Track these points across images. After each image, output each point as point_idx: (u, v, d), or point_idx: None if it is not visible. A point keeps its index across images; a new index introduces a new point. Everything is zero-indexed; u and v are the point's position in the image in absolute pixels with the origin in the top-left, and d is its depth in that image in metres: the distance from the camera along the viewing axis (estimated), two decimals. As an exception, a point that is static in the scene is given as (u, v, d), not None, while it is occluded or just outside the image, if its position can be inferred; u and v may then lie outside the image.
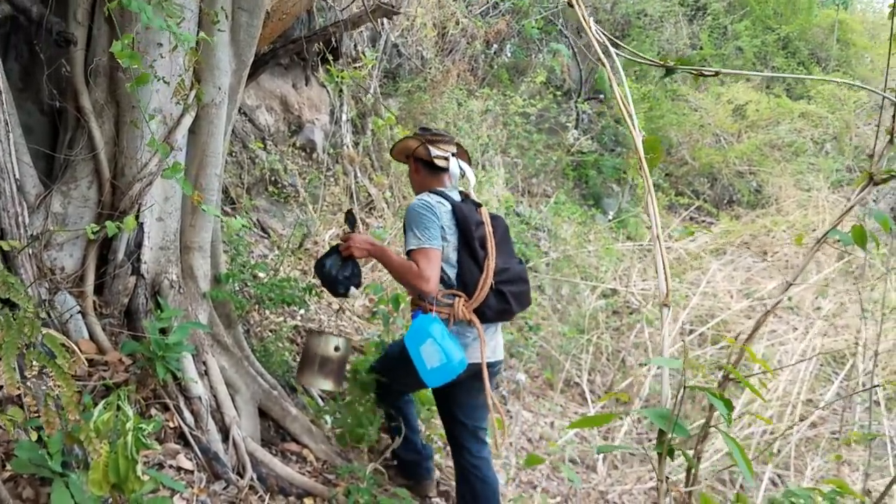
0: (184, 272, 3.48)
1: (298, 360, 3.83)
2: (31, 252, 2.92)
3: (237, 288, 4.02)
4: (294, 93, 7.36)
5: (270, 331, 4.29)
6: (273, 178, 6.47)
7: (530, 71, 11.00)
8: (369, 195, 7.85)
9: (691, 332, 8.42)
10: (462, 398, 3.39)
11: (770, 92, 12.78)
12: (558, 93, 10.73)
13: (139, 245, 3.29)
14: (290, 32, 5.02)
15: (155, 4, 2.52)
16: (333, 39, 8.21)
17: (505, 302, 3.18)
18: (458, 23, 9.23)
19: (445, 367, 3.04)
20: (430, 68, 9.24)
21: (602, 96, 12.40)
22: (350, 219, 3.54)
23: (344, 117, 8.02)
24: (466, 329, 3.18)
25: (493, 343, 3.31)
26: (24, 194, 3.02)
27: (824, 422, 7.72)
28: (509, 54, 10.23)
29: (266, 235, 6.01)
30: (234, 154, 6.13)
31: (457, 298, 3.16)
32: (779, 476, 6.70)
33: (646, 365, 7.86)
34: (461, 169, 3.45)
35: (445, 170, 3.41)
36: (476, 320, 3.13)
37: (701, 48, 13.09)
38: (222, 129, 3.49)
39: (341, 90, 7.86)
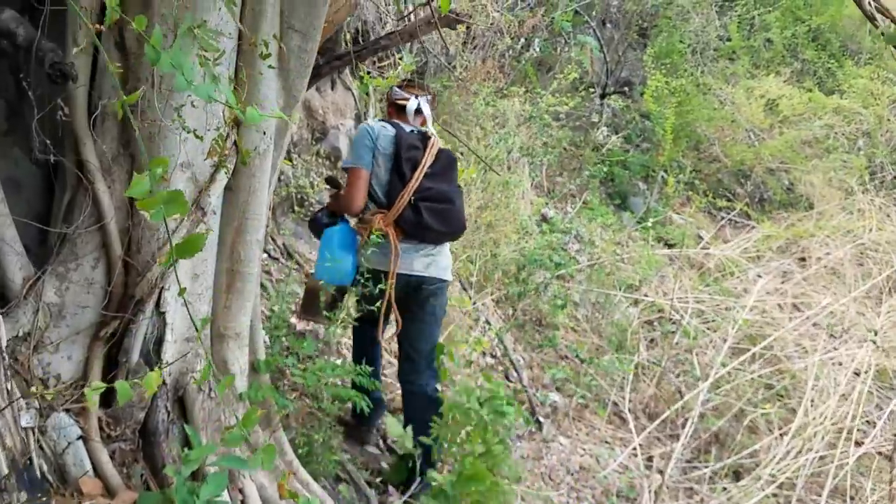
0: (216, 367, 2.66)
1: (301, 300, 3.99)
2: (9, 360, 2.08)
3: (276, 375, 3.20)
4: (318, 97, 6.48)
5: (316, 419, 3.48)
6: (300, 196, 5.62)
7: (558, 66, 10.13)
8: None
9: (740, 350, 7.63)
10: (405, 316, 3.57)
11: (801, 86, 11.92)
12: (587, 88, 9.85)
13: (160, 342, 2.46)
14: (333, 45, 4.16)
15: (183, 34, 1.67)
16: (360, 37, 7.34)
17: (419, 215, 3.35)
18: (488, 16, 8.33)
19: (336, 268, 3.42)
20: (456, 66, 8.36)
21: (628, 90, 11.55)
22: (332, 182, 4.03)
23: (370, 120, 7.17)
24: (382, 244, 3.39)
25: (426, 260, 3.50)
26: (5, 279, 2.19)
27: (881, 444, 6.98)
28: (538, 49, 9.33)
29: (297, 267, 5.17)
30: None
31: (378, 214, 3.43)
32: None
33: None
34: (419, 107, 3.77)
35: (402, 110, 3.76)
36: (391, 232, 3.35)
37: (729, 40, 12.21)
38: (266, 183, 2.69)
39: (367, 92, 6.99)
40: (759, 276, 9.02)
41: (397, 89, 3.85)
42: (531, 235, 7.42)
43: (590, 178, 10.18)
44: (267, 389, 2.76)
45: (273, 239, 5.03)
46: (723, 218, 10.68)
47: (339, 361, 4.08)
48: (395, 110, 3.84)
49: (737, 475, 6.74)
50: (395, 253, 3.36)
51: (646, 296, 8.40)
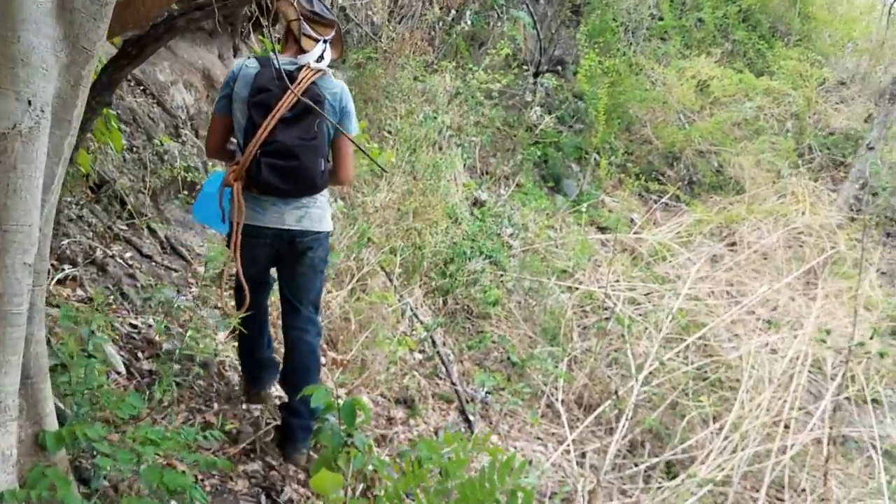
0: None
1: None
2: None
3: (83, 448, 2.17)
4: (220, 65, 5.50)
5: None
6: (189, 180, 4.63)
7: (490, 41, 9.27)
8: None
9: (674, 339, 6.98)
10: (279, 265, 3.27)
11: (731, 66, 11.32)
12: (519, 66, 9.00)
13: None
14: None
15: None
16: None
17: (258, 171, 2.94)
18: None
19: (209, 217, 3.12)
20: (381, 36, 7.42)
21: (561, 69, 10.75)
22: None
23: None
24: (249, 196, 3.01)
25: (298, 213, 3.08)
26: None
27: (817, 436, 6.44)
28: (469, 22, 8.42)
29: (181, 259, 4.19)
30: (135, 150, 4.26)
31: (232, 166, 3.03)
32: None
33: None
34: (322, 55, 3.12)
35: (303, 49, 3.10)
36: (235, 187, 2.96)
37: (661, 19, 11.52)
38: (37, 177, 1.74)
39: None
40: (691, 262, 8.38)
41: (307, 27, 3.08)
42: (461, 222, 6.59)
43: (523, 160, 9.40)
44: (57, 480, 1.81)
45: (152, 231, 4.04)
46: (654, 201, 10.03)
47: (222, 387, 3.15)
48: (292, 41, 3.16)
49: (671, 471, 6.13)
50: (237, 208, 2.94)
51: (579, 283, 7.66)
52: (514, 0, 9.78)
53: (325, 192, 3.19)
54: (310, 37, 3.05)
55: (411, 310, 6.06)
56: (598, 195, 9.76)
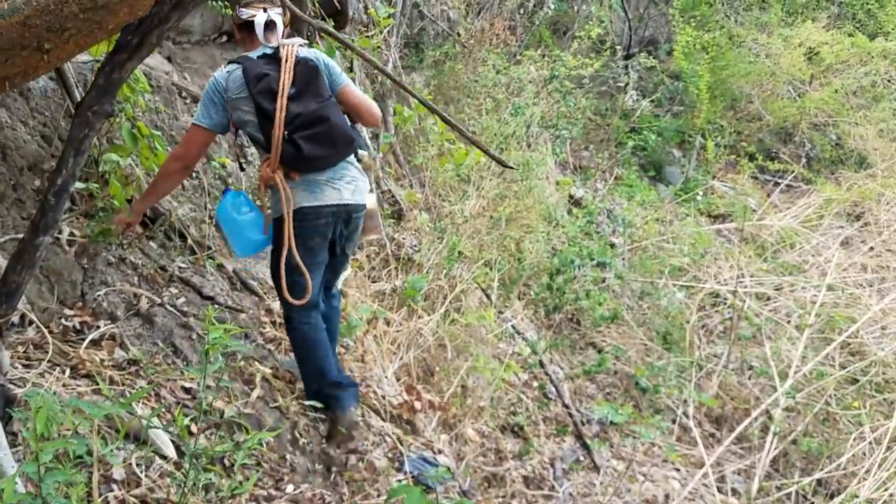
0: None
1: None
2: None
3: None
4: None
5: None
6: (259, 203, 3.98)
7: (576, 26, 8.39)
8: (395, 202, 5.38)
9: (816, 339, 5.95)
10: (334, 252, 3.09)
11: (840, 31, 10.00)
12: (607, 50, 8.08)
13: None
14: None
15: None
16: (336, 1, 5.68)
17: (297, 149, 2.80)
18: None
19: (253, 241, 3.00)
20: (459, 31, 6.69)
21: (653, 49, 9.73)
22: None
23: (358, 101, 5.50)
24: (296, 182, 2.87)
25: (351, 186, 2.97)
26: None
27: None
28: (552, 7, 7.57)
29: (253, 294, 3.55)
30: (193, 174, 3.67)
31: (264, 163, 2.90)
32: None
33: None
34: (269, 19, 3.00)
35: (251, 29, 2.99)
36: (277, 178, 2.81)
37: (756, -14, 10.34)
38: None
39: (351, 66, 5.37)
40: (823, 247, 7.27)
41: (241, 8, 3.06)
42: (561, 225, 5.77)
43: (620, 150, 8.47)
44: None
45: (218, 266, 3.41)
46: (772, 182, 8.91)
47: (297, 457, 2.48)
48: (245, 33, 3.07)
49: (827, 491, 5.20)
50: (285, 196, 2.82)
51: (698, 281, 6.70)
52: (598, -20, 8.89)
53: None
54: (249, 15, 3.00)
55: (513, 328, 5.30)
56: (706, 181, 8.72)
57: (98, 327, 2.59)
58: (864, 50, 9.67)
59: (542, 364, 5.24)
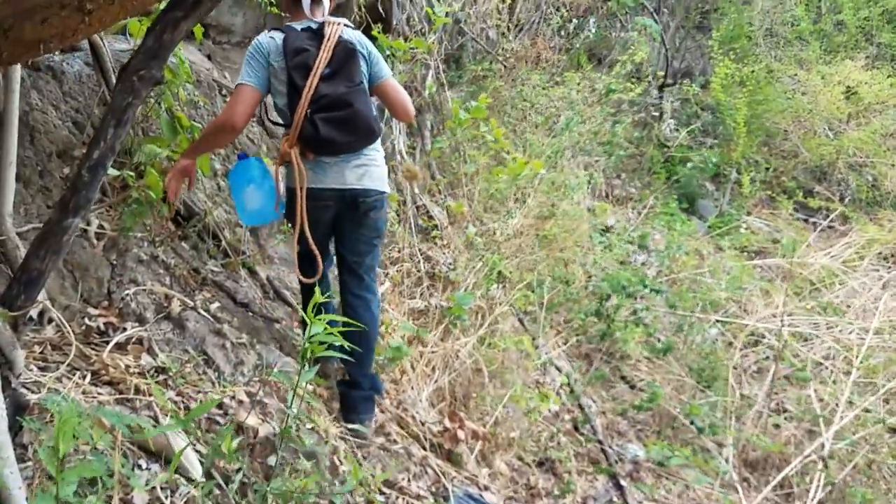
0: None
1: None
2: None
3: None
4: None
5: None
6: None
7: (614, 52, 8.15)
8: (430, 219, 5.10)
9: (860, 383, 5.61)
10: (340, 229, 3.01)
11: (879, 71, 9.73)
12: (642, 79, 7.84)
13: None
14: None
15: None
16: (381, 9, 5.46)
17: (315, 129, 2.73)
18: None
19: (262, 211, 2.93)
20: (500, 48, 6.46)
21: (688, 81, 9.48)
22: None
23: (396, 114, 5.26)
24: (306, 161, 2.82)
25: (359, 171, 2.90)
26: None
27: None
28: (593, 30, 7.33)
29: (286, 304, 3.27)
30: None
31: (285, 136, 2.84)
32: None
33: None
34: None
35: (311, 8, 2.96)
36: (293, 154, 2.77)
37: (792, 24, 10.07)
38: None
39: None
40: (864, 288, 6.94)
41: None
42: (593, 250, 5.47)
43: (654, 179, 8.19)
44: None
45: (251, 272, 3.13)
46: (805, 220, 8.59)
47: (337, 487, 2.17)
48: (291, 3, 3.00)
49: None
50: (298, 172, 2.78)
51: (735, 317, 6.37)
52: (636, 8, 8.65)
53: (381, 149, 3.04)
54: None
55: (546, 356, 4.98)
56: (741, 216, 8.41)
57: (124, 329, 2.30)
58: (900, 91, 9.40)
59: (576, 396, 4.92)
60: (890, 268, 7.17)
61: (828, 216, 8.74)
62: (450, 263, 4.85)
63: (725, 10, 9.64)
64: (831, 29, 10.29)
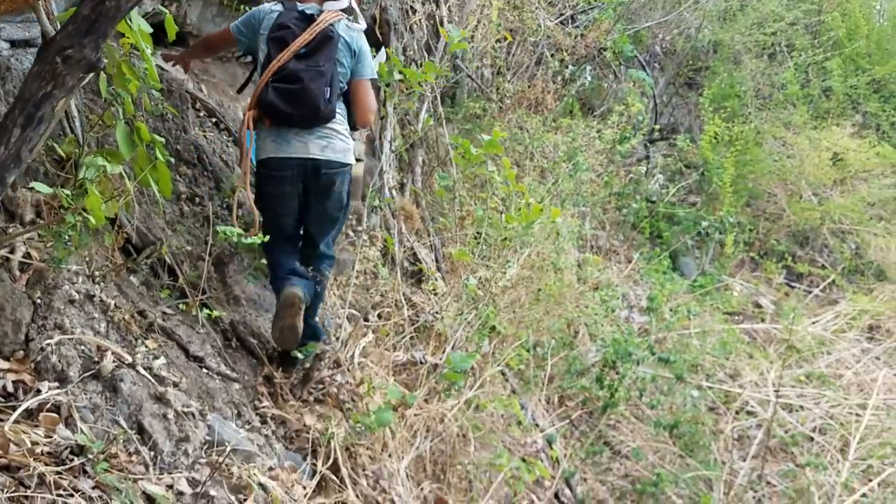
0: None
1: None
2: None
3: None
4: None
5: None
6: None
7: (605, 102, 7.80)
8: (416, 261, 4.61)
9: (866, 469, 5.19)
10: (306, 205, 3.07)
11: (864, 139, 9.54)
12: (639, 129, 7.49)
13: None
14: None
15: None
16: (378, 34, 5.02)
17: (265, 95, 2.87)
18: (537, 29, 6.01)
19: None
20: (493, 88, 6.05)
21: (673, 137, 9.18)
22: None
23: (386, 148, 4.80)
24: (271, 130, 2.95)
25: (321, 142, 2.96)
26: None
27: None
28: (589, 78, 6.96)
29: (250, 354, 2.72)
30: (197, 200, 2.87)
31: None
32: None
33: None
34: (351, 6, 3.17)
35: None
36: (248, 116, 2.91)
37: (781, 87, 9.87)
38: None
39: (384, 104, 4.69)
40: (852, 359, 6.59)
41: None
42: (588, 308, 5.00)
43: (638, 233, 7.81)
44: None
45: (212, 317, 2.59)
46: (790, 285, 8.26)
47: None
48: None
49: None
50: (243, 130, 2.91)
51: (727, 382, 5.96)
52: (630, 60, 8.34)
53: (346, 126, 3.07)
54: None
55: (533, 419, 4.46)
56: (721, 276, 8.03)
57: (38, 392, 1.74)
58: (888, 161, 9.19)
59: (566, 475, 4.38)
60: (875, 339, 6.83)
61: (812, 282, 8.43)
62: (436, 312, 4.33)
63: (716, 69, 9.40)
64: (819, 94, 10.11)
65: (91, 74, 1.34)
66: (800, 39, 10.14)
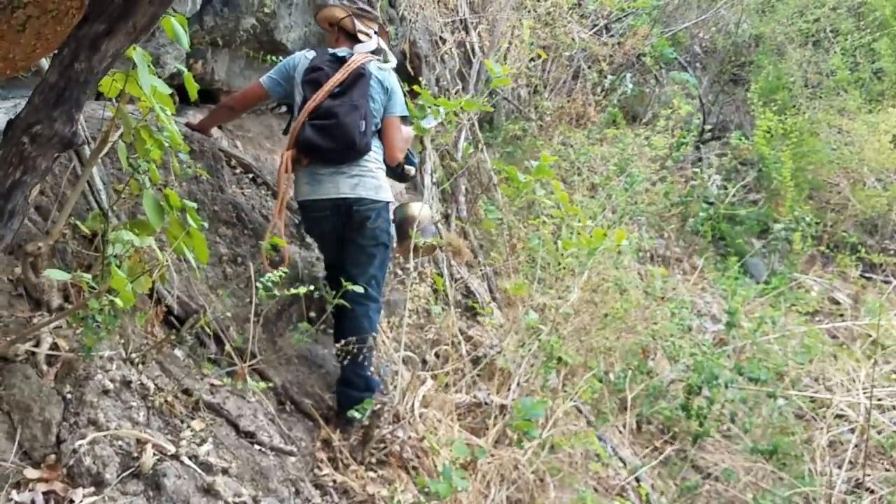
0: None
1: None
2: None
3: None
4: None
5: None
6: (317, 296, 3.02)
7: (649, 108, 7.48)
8: (469, 294, 4.37)
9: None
10: (344, 243, 3.11)
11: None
12: (689, 132, 7.14)
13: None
14: None
15: None
16: (410, 68, 4.85)
17: (303, 133, 2.92)
18: (571, 44, 5.76)
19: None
20: (532, 107, 5.82)
21: (725, 135, 8.77)
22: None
23: (427, 180, 4.61)
24: (306, 170, 3.01)
25: (352, 181, 2.99)
26: None
27: None
28: (630, 87, 6.67)
29: (307, 417, 2.48)
30: (239, 261, 2.70)
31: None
32: None
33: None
34: (380, 47, 3.27)
35: (357, 41, 3.22)
36: (286, 157, 2.95)
37: (829, 74, 9.37)
38: None
39: (421, 139, 4.50)
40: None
41: (359, 23, 3.23)
42: (660, 327, 4.66)
43: (699, 238, 7.43)
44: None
45: (265, 378, 2.39)
46: (867, 278, 7.74)
47: None
48: (345, 38, 3.25)
49: None
50: (282, 169, 2.94)
51: (813, 387, 5.52)
52: (670, 63, 8.03)
53: (380, 164, 3.09)
54: (362, 31, 3.19)
55: (613, 450, 4.14)
56: (792, 274, 7.56)
57: (72, 502, 1.55)
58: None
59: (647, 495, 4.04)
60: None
61: (888, 272, 7.87)
62: (496, 346, 4.07)
63: (761, 62, 8.98)
64: (870, 77, 9.57)
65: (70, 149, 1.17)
66: (844, 23, 9.67)
